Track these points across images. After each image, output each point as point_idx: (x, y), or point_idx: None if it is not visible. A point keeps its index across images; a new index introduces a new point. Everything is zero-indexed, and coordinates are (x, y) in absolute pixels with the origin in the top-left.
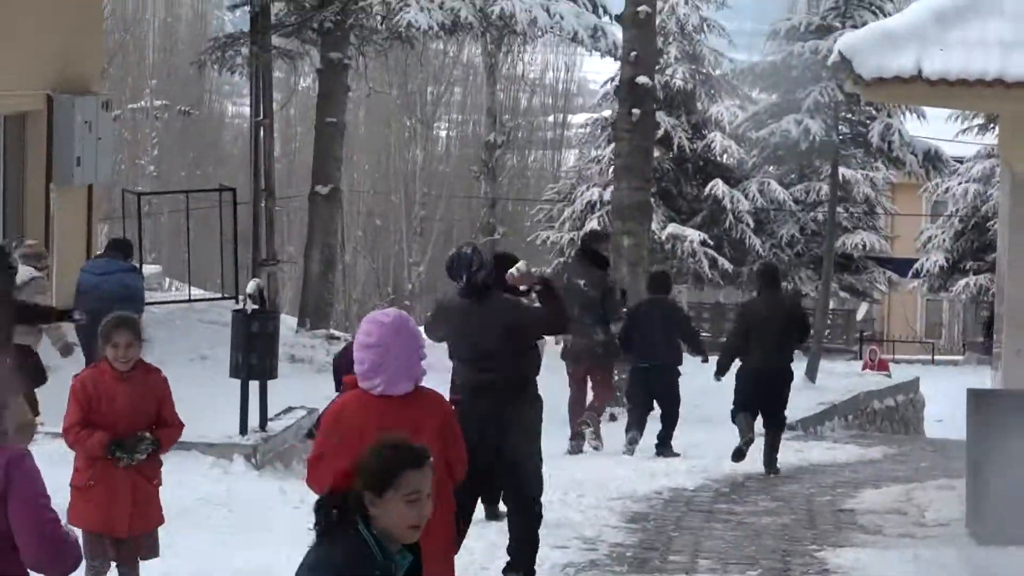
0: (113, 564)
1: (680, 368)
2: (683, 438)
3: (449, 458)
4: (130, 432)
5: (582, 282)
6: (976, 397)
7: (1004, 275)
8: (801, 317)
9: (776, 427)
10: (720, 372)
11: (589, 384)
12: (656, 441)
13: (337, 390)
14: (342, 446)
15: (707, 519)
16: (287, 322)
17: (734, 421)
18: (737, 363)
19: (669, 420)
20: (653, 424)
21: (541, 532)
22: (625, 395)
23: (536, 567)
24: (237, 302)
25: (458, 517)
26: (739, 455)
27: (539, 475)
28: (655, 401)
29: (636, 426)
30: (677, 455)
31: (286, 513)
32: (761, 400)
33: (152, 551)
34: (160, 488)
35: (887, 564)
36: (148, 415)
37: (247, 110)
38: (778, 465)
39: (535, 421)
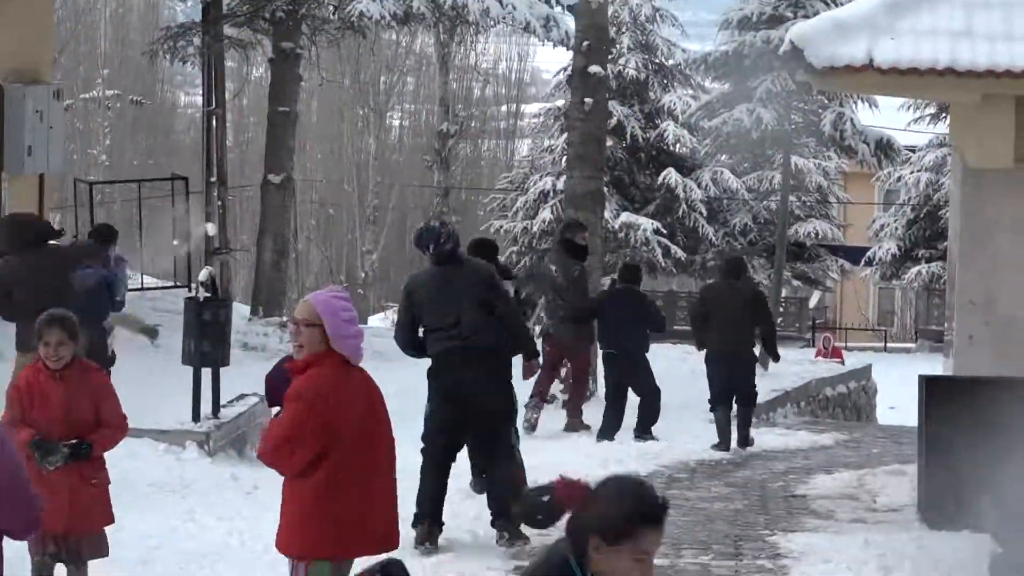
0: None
1: (647, 356)
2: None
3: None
4: (67, 432)
5: (553, 267)
6: (928, 383)
7: (955, 263)
8: (764, 305)
9: (746, 405)
10: (700, 346)
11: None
12: (636, 425)
13: (272, 405)
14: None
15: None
16: (239, 310)
17: (713, 413)
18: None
19: (645, 405)
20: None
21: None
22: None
23: (490, 552)
24: (190, 290)
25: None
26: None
27: (514, 429)
28: (629, 389)
29: (609, 418)
30: (655, 439)
31: (238, 499)
32: (731, 382)
33: (96, 551)
34: (107, 487)
35: (838, 549)
36: (85, 415)
37: (199, 100)
38: (752, 438)
39: (506, 383)
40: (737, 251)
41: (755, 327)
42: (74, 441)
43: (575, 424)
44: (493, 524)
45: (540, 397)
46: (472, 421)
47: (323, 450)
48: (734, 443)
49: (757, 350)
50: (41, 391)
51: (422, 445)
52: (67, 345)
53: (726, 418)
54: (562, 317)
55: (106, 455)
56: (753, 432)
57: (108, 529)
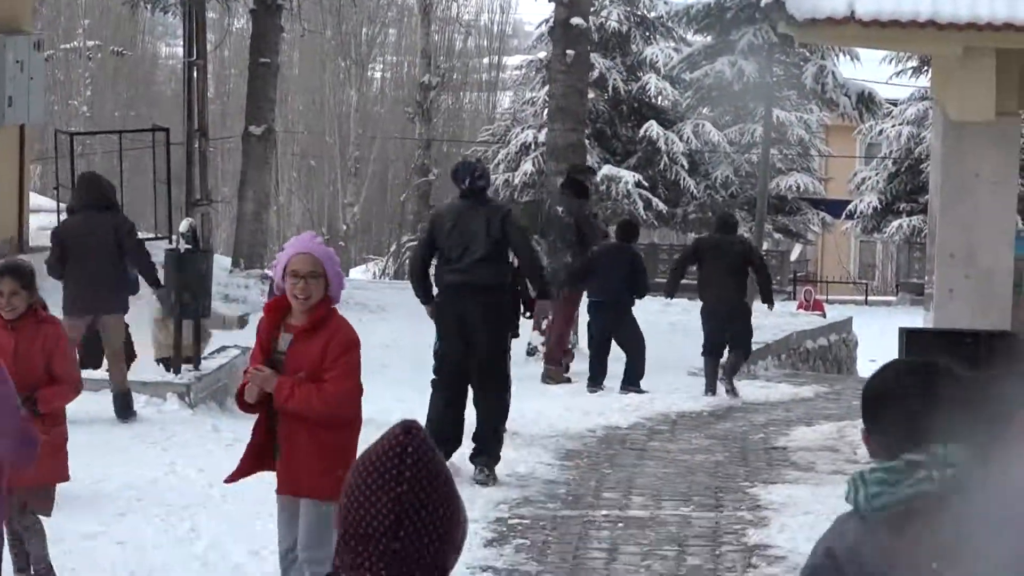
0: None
1: (632, 309)
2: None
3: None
4: (16, 384)
5: (560, 208)
6: (908, 336)
7: (936, 216)
8: (759, 257)
9: (739, 354)
10: (668, 294)
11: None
12: (623, 376)
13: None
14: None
15: (640, 457)
16: (221, 262)
17: (704, 359)
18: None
19: (632, 357)
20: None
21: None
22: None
23: (469, 503)
24: (171, 242)
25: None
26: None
27: (507, 372)
28: (615, 341)
29: (595, 366)
30: (643, 392)
31: (219, 451)
32: (726, 332)
33: (42, 506)
34: (61, 443)
35: (819, 500)
36: (37, 368)
37: (180, 51)
38: (732, 384)
39: (506, 323)
40: (724, 206)
41: (747, 278)
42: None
43: (556, 374)
44: (472, 460)
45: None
46: (472, 353)
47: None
48: (691, 403)
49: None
50: None
51: (433, 378)
52: (20, 295)
53: (715, 365)
54: (557, 256)
55: (86, 407)
56: (735, 383)
57: (89, 478)
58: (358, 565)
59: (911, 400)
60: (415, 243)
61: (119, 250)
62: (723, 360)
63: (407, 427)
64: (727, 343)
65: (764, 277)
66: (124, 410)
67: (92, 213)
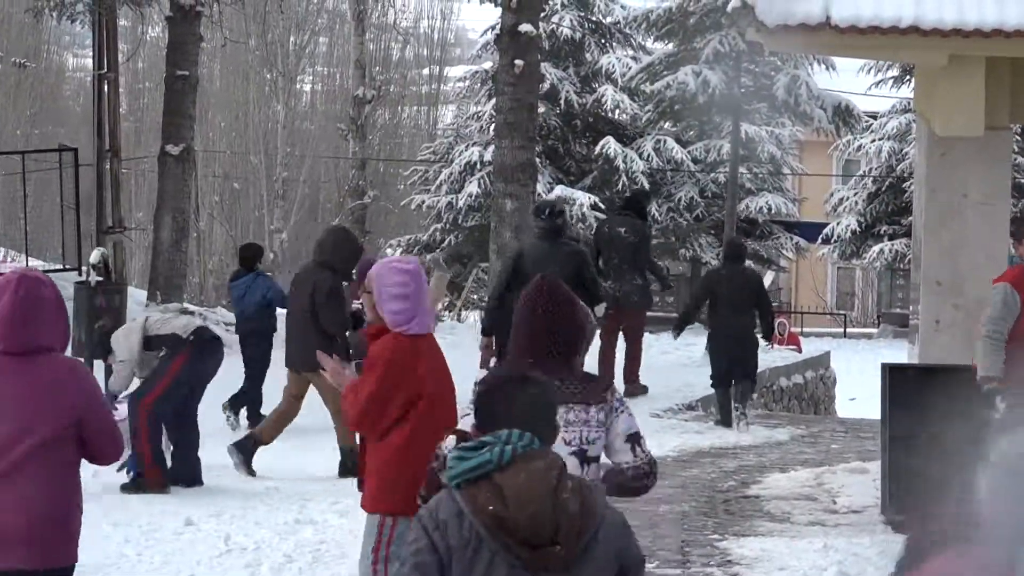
0: None
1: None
2: None
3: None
4: None
5: (622, 229)
6: (891, 372)
7: (920, 240)
8: (764, 288)
9: (748, 384)
10: (677, 330)
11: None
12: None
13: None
14: (396, 387)
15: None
16: (136, 295)
17: (715, 391)
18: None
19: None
20: None
21: None
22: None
23: None
24: (80, 274)
25: None
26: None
27: None
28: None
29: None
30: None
31: (136, 502)
32: (733, 361)
33: None
34: None
35: (795, 554)
36: None
37: (89, 62)
38: (745, 412)
39: None
40: (689, 230)
41: (755, 308)
42: None
43: (635, 389)
44: None
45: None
46: None
47: (402, 412)
48: (659, 448)
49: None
50: None
51: None
52: None
53: (727, 396)
54: (622, 278)
55: None
56: (701, 426)
57: None
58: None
59: (496, 403)
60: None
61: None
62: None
63: (542, 276)
64: (734, 372)
65: (767, 309)
66: None
67: None
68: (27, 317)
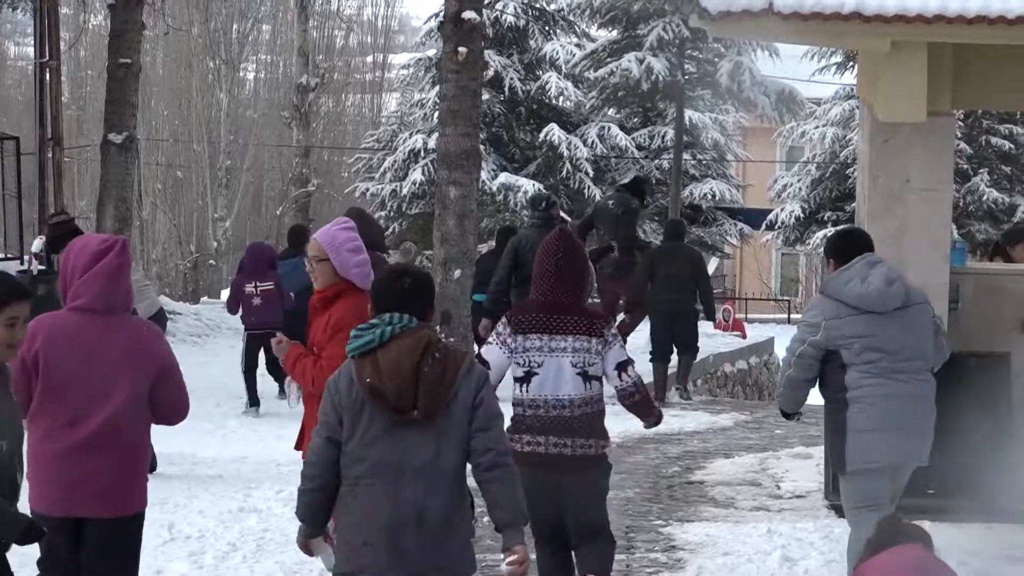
0: None
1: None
2: None
3: None
4: None
5: (611, 202)
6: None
7: (863, 226)
8: (704, 266)
9: (688, 354)
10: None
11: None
12: None
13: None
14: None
15: None
16: None
17: (653, 365)
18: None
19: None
20: None
21: None
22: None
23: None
24: (22, 263)
25: None
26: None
27: None
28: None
29: None
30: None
31: None
32: (673, 340)
33: None
34: None
35: (739, 539)
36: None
37: (31, 51)
38: (687, 389)
39: None
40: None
41: (694, 285)
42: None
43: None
44: None
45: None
46: None
47: None
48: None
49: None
50: None
51: None
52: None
53: (664, 372)
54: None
55: None
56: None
57: None
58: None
59: (382, 292)
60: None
61: None
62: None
63: (559, 229)
64: (675, 348)
65: (707, 288)
66: None
67: None
68: (120, 278)
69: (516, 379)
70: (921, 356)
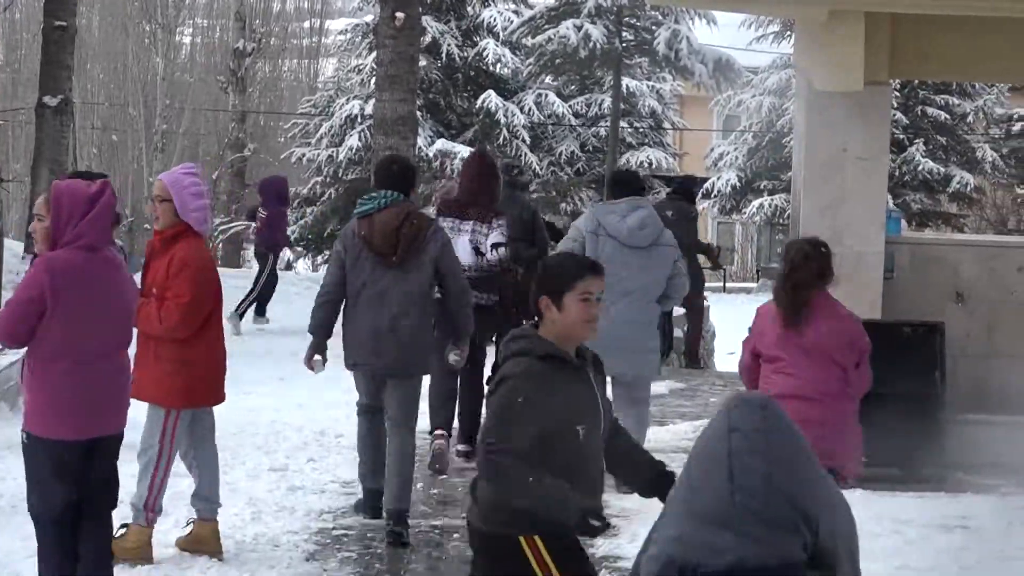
0: None
1: None
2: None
3: None
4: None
5: (669, 213)
6: None
7: (799, 195)
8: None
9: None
10: None
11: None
12: None
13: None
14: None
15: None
16: (12, 247)
17: None
18: None
19: None
20: None
21: (299, 478)
22: None
23: (290, 514)
24: None
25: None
26: None
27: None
28: None
29: None
30: None
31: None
32: None
33: None
34: None
35: None
36: None
37: None
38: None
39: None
40: (569, 184)
41: None
42: None
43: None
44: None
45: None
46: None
47: (211, 309)
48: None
49: None
50: None
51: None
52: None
53: None
54: None
55: None
56: None
57: None
58: (470, 190)
59: (380, 174)
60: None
61: None
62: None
63: (478, 151)
64: None
65: None
66: None
67: None
68: (112, 215)
69: None
70: (652, 288)
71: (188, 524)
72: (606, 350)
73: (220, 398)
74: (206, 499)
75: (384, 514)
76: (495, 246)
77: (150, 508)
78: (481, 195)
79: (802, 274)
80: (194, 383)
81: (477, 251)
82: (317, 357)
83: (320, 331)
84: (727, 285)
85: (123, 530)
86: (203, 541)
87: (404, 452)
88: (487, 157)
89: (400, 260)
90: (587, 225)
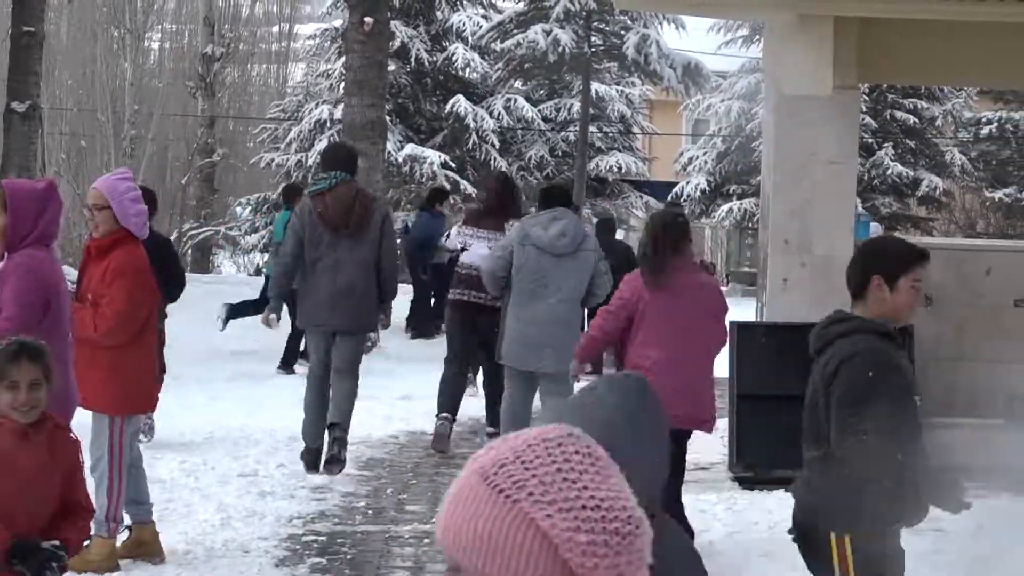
0: None
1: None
2: (426, 380)
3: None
4: (30, 525)
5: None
6: (739, 330)
7: (768, 199)
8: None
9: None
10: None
11: None
12: None
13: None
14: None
15: (447, 465)
16: None
17: None
18: None
19: None
20: None
21: (269, 484)
22: None
23: (260, 519)
24: None
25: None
26: None
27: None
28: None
29: None
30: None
31: None
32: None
33: None
34: None
35: None
36: (52, 495)
37: None
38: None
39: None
40: (539, 189)
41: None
42: (52, 543)
43: None
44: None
45: None
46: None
47: (146, 316)
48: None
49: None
50: (3, 458)
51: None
52: (42, 386)
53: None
54: None
55: None
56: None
57: None
58: (495, 206)
59: (327, 158)
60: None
61: None
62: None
63: (502, 173)
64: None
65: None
66: None
67: None
68: None
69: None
70: (575, 291)
71: (124, 530)
72: (534, 347)
73: (154, 404)
74: (138, 503)
75: (327, 429)
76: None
77: (111, 519)
78: (498, 210)
79: (663, 242)
80: (130, 389)
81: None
82: (273, 316)
83: (281, 296)
84: None
85: (86, 543)
86: (144, 543)
87: (350, 391)
88: (505, 180)
89: (354, 232)
90: (515, 237)
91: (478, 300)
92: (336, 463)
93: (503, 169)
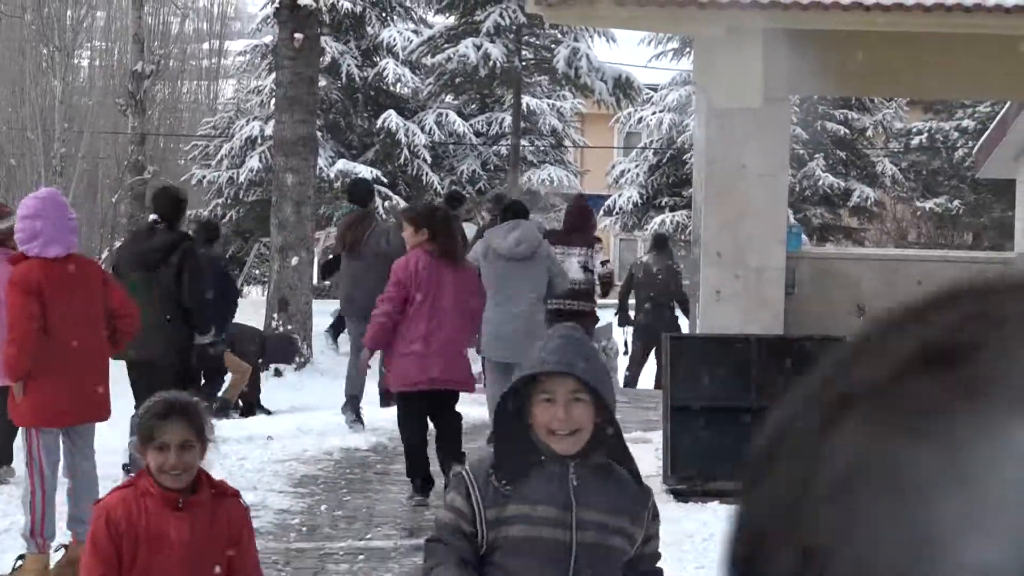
0: None
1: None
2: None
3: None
4: None
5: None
6: (672, 343)
7: (701, 211)
8: (681, 282)
9: None
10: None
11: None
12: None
13: None
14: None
15: (382, 482)
16: None
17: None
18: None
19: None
20: None
21: None
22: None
23: None
24: None
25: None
26: None
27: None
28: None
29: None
30: None
31: None
32: (652, 351)
33: None
34: None
35: None
36: (213, 571)
37: None
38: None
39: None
40: (472, 203)
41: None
42: None
43: None
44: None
45: None
46: None
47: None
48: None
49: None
50: (154, 529)
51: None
52: (195, 448)
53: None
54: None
55: None
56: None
57: None
58: (573, 226)
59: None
60: None
61: None
62: None
63: (581, 196)
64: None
65: (685, 297)
66: None
67: None
68: None
69: None
70: (535, 289)
71: (58, 549)
72: (500, 340)
73: (87, 416)
74: (79, 521)
75: None
76: (604, 263)
77: (39, 534)
78: (583, 226)
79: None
80: (43, 400)
81: (585, 268)
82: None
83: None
84: (630, 302)
85: (20, 562)
86: (76, 563)
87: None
88: (587, 207)
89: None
90: (480, 249)
91: (581, 308)
92: None
93: (580, 193)
